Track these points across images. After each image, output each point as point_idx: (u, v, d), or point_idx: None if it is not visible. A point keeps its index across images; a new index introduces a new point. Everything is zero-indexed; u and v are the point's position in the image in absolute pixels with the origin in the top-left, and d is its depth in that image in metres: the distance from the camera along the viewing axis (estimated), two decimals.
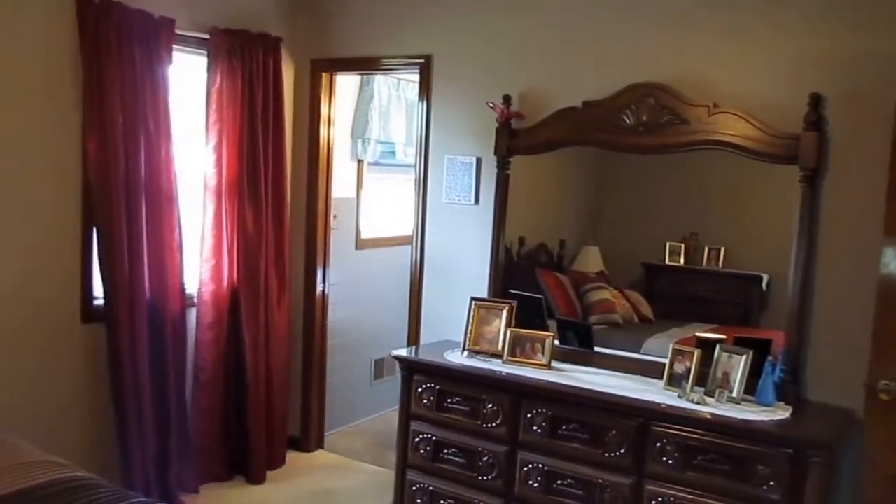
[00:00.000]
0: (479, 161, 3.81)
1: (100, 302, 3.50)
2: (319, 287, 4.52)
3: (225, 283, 3.99)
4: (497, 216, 3.70)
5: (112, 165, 3.41)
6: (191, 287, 3.91)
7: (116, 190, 3.43)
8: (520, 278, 3.75)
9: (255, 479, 4.09)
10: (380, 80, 4.85)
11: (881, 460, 2.75)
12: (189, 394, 3.91)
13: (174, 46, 3.66)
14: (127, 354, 3.49)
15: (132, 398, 3.51)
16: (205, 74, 3.90)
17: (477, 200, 3.83)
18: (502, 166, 3.67)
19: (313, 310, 4.51)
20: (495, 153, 3.66)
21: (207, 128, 3.90)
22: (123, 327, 3.48)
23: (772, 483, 2.69)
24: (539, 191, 3.96)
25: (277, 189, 4.18)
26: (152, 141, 3.56)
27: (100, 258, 3.46)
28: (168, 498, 3.61)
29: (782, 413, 2.86)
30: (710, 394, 2.96)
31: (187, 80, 3.94)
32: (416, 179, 4.04)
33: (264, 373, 4.14)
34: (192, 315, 3.92)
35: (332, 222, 4.58)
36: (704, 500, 2.81)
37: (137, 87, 3.48)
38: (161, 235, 3.63)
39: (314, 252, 4.49)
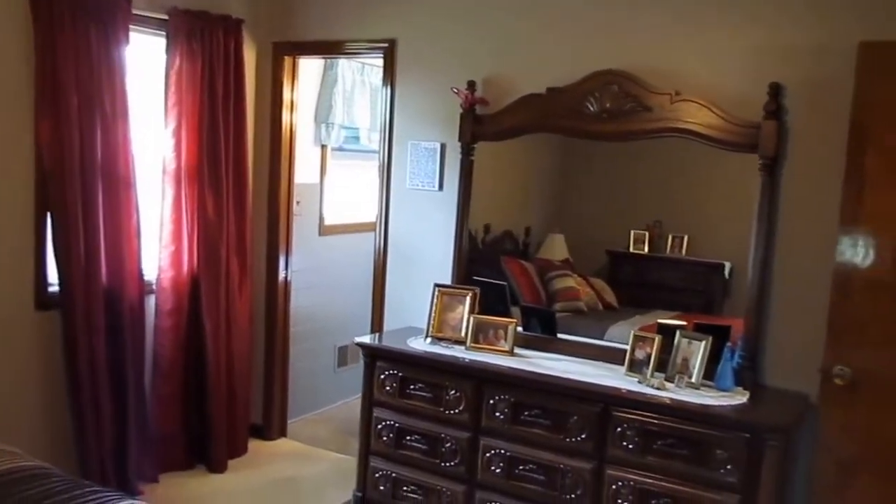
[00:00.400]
0: (443, 147, 3.79)
1: (55, 288, 3.42)
2: (282, 274, 4.48)
3: (185, 269, 3.92)
4: (461, 203, 3.69)
5: (66, 148, 3.33)
6: (149, 273, 3.84)
7: (71, 174, 3.35)
8: (485, 265, 3.74)
9: (217, 467, 4.05)
10: (344, 65, 4.80)
11: (835, 444, 2.81)
12: (148, 382, 3.85)
13: (131, 27, 3.57)
14: (83, 342, 3.43)
15: (88, 386, 3.45)
16: (163, 56, 3.82)
17: (441, 187, 3.81)
18: (466, 152, 3.65)
19: (276, 297, 4.47)
20: (459, 139, 3.65)
21: (166, 111, 3.83)
22: (79, 314, 3.41)
23: (729, 466, 2.73)
24: (504, 178, 3.95)
25: (238, 174, 4.12)
26: (109, 124, 3.48)
27: (54, 244, 3.38)
28: (126, 487, 3.55)
29: (740, 398, 2.90)
30: (669, 379, 2.99)
31: (146, 61, 3.86)
32: (379, 165, 4.01)
33: (225, 360, 4.09)
34: (150, 302, 3.86)
35: (295, 208, 4.53)
36: (663, 483, 2.84)
37: (93, 68, 3.40)
38: (118, 221, 3.56)
39: (276, 238, 4.44)
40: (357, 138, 5.13)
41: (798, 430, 2.89)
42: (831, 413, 2.81)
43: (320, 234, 4.90)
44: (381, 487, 3.43)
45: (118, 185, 3.54)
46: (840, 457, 2.79)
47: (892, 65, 2.66)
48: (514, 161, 3.88)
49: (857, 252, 2.74)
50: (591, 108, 3.29)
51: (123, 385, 3.62)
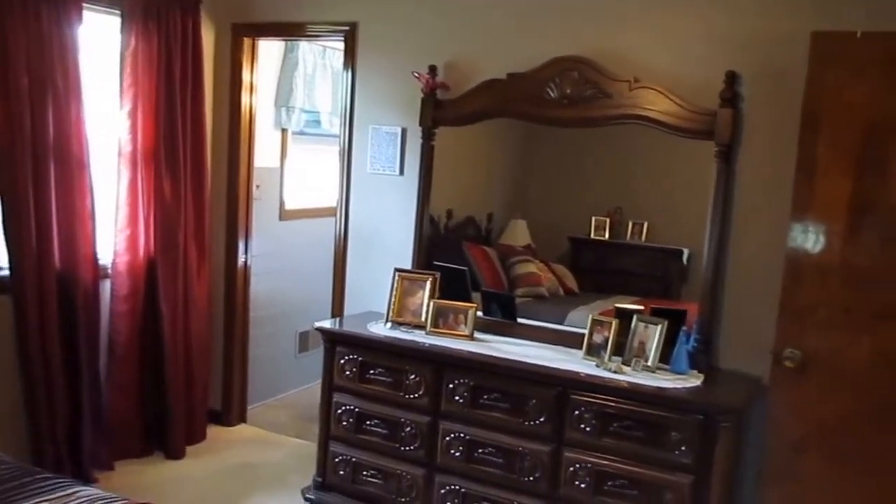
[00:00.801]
0: (404, 132, 3.78)
1: (5, 272, 3.35)
2: (241, 258, 4.43)
3: (141, 253, 3.87)
4: (422, 187, 3.68)
5: (17, 128, 3.25)
6: (105, 257, 3.78)
7: (22, 155, 3.27)
8: (447, 251, 3.75)
9: (174, 454, 4.01)
10: (305, 48, 4.75)
11: (785, 424, 2.87)
12: (103, 367, 3.79)
13: (85, 5, 3.49)
14: (35, 327, 3.36)
15: (41, 372, 3.39)
16: (118, 36, 3.74)
17: (402, 171, 3.80)
18: (427, 137, 3.65)
19: (235, 281, 4.43)
20: (420, 124, 3.64)
21: (121, 92, 3.75)
22: (31, 299, 3.34)
23: (683, 448, 2.78)
24: (467, 164, 3.96)
25: (196, 157, 4.06)
26: (61, 104, 3.40)
27: (4, 227, 3.31)
28: (81, 475, 3.50)
29: (694, 381, 2.95)
30: (626, 363, 3.04)
31: (100, 41, 3.77)
32: (340, 149, 3.98)
33: (183, 346, 4.05)
34: (106, 286, 3.80)
35: (255, 192, 4.48)
36: (620, 465, 2.89)
37: (44, 47, 3.32)
38: (71, 203, 3.49)
39: (236, 223, 4.39)
40: (318, 122, 5.09)
41: (750, 412, 2.96)
42: (782, 394, 2.87)
43: (281, 218, 4.86)
44: (341, 472, 3.43)
45: (71, 166, 3.47)
46: (790, 437, 2.86)
47: (843, 54, 2.71)
48: (476, 147, 3.88)
49: (808, 238, 2.80)
50: (552, 94, 3.31)
51: (77, 371, 3.56)
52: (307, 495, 3.55)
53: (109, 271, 3.81)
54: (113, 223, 3.79)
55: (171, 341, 3.97)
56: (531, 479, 3.03)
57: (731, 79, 2.98)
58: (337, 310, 4.02)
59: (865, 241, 2.73)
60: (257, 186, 4.51)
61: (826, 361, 2.79)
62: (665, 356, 3.03)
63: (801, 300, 2.82)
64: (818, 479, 2.83)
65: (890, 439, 2.67)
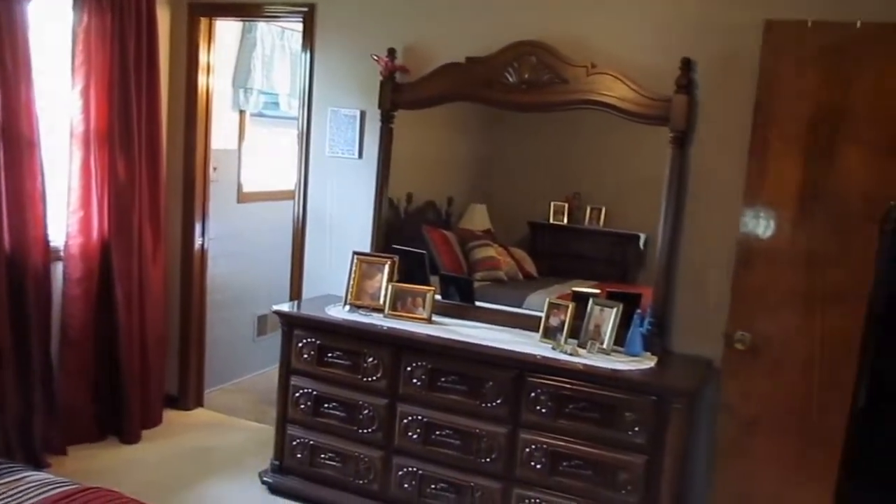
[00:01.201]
0: (363, 114, 3.76)
1: None
2: (198, 241, 4.38)
3: (95, 235, 3.80)
4: (380, 171, 3.67)
5: None
6: (57, 240, 3.71)
7: None
8: (407, 234, 3.75)
9: (130, 438, 3.97)
10: (263, 29, 4.69)
11: (736, 405, 2.95)
12: (56, 352, 3.72)
13: None
14: None
15: None
16: (71, 13, 3.65)
17: (361, 154, 3.79)
18: (386, 120, 3.64)
19: (191, 265, 4.38)
20: (379, 107, 3.63)
21: (73, 70, 3.67)
22: None
23: (637, 428, 2.84)
24: (427, 147, 3.95)
25: (152, 138, 3.99)
26: (10, 82, 3.32)
27: None
28: (33, 460, 3.45)
29: (648, 363, 3.01)
30: (582, 345, 3.08)
31: (52, 18, 3.68)
32: (299, 132, 3.95)
33: (138, 329, 4.00)
34: (58, 270, 3.72)
35: (212, 174, 4.43)
36: (575, 445, 2.93)
37: None
38: (21, 184, 3.41)
39: (192, 205, 4.33)
40: (276, 104, 5.03)
41: (702, 393, 3.02)
42: (733, 376, 2.94)
43: (238, 201, 4.81)
44: (299, 455, 3.43)
45: (20, 146, 3.39)
46: (740, 417, 2.93)
47: (795, 43, 2.77)
48: (436, 131, 3.88)
49: (759, 223, 2.86)
50: (510, 79, 3.32)
51: (27, 355, 3.50)
52: (264, 478, 3.55)
53: (62, 254, 3.74)
54: (65, 205, 3.72)
55: (126, 325, 3.91)
56: (488, 460, 3.06)
57: (687, 66, 3.02)
58: (295, 293, 4.00)
59: (814, 227, 2.80)
60: (214, 169, 4.45)
61: (776, 344, 2.86)
62: (620, 339, 3.07)
63: (752, 284, 2.89)
64: (767, 457, 2.91)
65: (835, 417, 2.75)
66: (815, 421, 2.81)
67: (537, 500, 2.99)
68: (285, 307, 3.57)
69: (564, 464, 2.95)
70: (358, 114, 3.76)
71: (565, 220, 3.66)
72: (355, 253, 3.54)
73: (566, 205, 3.64)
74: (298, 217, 3.98)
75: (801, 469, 2.86)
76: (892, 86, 2.66)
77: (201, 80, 4.25)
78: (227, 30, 4.46)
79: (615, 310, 3.08)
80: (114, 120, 3.78)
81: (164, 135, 4.12)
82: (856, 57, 2.70)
